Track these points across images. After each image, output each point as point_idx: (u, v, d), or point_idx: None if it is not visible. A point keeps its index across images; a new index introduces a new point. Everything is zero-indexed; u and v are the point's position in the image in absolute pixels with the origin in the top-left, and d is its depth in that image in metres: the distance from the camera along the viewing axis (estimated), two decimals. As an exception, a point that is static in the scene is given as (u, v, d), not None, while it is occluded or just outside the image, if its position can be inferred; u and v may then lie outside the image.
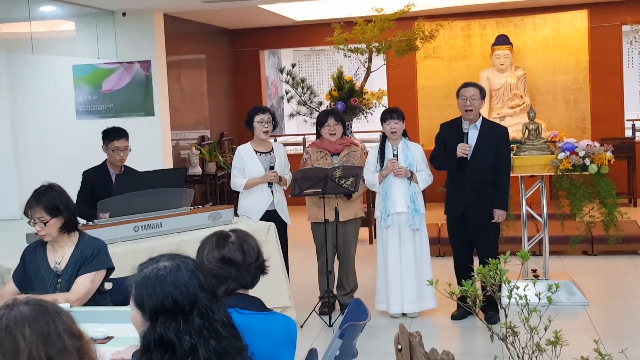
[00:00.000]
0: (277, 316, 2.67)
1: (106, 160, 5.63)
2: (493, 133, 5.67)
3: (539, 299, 2.58)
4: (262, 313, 2.64)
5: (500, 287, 2.65)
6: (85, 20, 7.65)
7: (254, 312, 2.59)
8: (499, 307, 2.68)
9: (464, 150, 5.54)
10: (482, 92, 5.67)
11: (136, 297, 2.16)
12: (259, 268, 2.72)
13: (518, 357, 2.50)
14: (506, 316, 2.60)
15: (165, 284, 2.13)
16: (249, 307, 2.60)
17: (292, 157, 6.34)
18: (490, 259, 2.73)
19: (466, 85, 5.70)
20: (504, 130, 5.78)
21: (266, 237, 5.42)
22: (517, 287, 2.60)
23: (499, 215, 5.60)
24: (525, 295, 2.62)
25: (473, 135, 5.62)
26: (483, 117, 5.75)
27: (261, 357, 2.36)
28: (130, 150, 5.62)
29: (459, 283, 2.89)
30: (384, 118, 5.77)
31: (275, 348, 2.56)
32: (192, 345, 2.10)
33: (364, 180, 5.87)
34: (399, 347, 2.63)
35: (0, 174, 7.57)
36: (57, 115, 7.90)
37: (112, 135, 5.54)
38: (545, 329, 2.64)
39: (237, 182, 5.91)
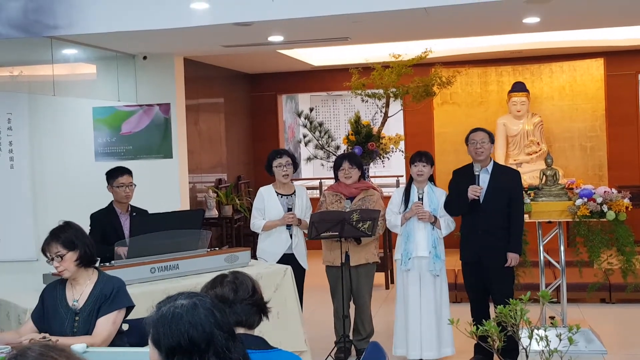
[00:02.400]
0: (281, 353, 2.66)
1: (112, 202, 5.69)
2: (505, 176, 5.67)
3: (560, 340, 2.56)
4: (265, 351, 2.63)
5: (519, 327, 2.64)
6: (107, 63, 7.75)
7: (257, 351, 2.58)
8: (520, 347, 2.65)
9: (475, 192, 5.53)
10: (491, 137, 5.71)
11: (153, 335, 2.16)
12: (255, 306, 2.73)
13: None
14: (527, 356, 2.57)
15: (182, 322, 2.13)
16: (252, 346, 2.59)
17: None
18: (510, 299, 2.71)
19: (475, 130, 5.74)
20: (516, 173, 5.80)
21: (282, 280, 5.41)
22: (538, 328, 2.57)
23: (512, 258, 5.56)
24: (547, 336, 2.60)
25: (485, 178, 5.63)
26: (494, 161, 5.76)
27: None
28: (134, 186, 5.69)
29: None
30: (412, 160, 5.78)
31: None
32: None
33: (384, 222, 5.86)
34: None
35: (18, 215, 7.60)
36: (76, 157, 7.96)
37: (116, 173, 5.65)
38: (567, 370, 2.62)
39: (256, 222, 5.92)
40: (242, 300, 2.70)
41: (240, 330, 2.69)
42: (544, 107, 10.22)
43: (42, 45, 6.60)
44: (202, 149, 9.66)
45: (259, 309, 2.75)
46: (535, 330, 2.59)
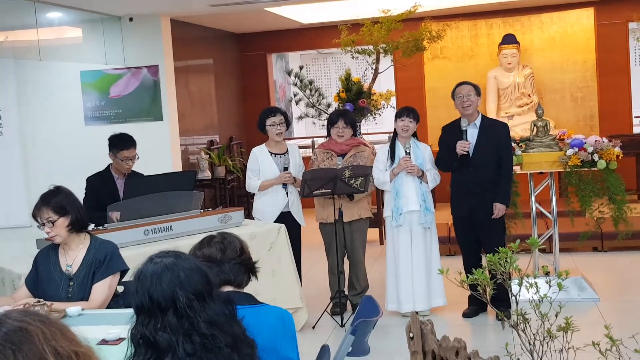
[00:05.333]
0: (269, 308, 2.70)
1: (110, 165, 5.56)
2: (493, 129, 5.68)
3: (550, 286, 2.58)
4: (253, 306, 2.66)
5: (510, 275, 2.66)
6: (92, 26, 7.67)
7: (245, 306, 2.62)
8: (510, 295, 2.68)
9: (463, 147, 5.54)
10: (477, 90, 5.71)
11: (129, 294, 2.32)
12: (244, 265, 2.77)
13: (529, 343, 2.51)
14: (517, 303, 2.60)
15: (145, 283, 2.22)
16: (240, 302, 2.63)
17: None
18: (500, 248, 2.73)
19: (460, 84, 5.73)
20: (504, 125, 5.80)
21: (276, 238, 5.43)
22: (528, 276, 2.60)
23: (499, 209, 5.58)
24: (536, 283, 2.62)
25: (473, 133, 5.63)
26: (482, 115, 5.76)
27: (259, 350, 2.37)
28: (138, 158, 5.54)
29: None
30: (400, 114, 5.77)
31: (272, 340, 2.58)
32: (169, 341, 2.16)
33: (373, 180, 5.88)
34: (411, 335, 2.63)
35: (9, 181, 7.57)
36: (66, 122, 7.90)
37: (121, 145, 5.43)
38: (556, 316, 2.64)
39: (251, 183, 5.92)
40: (229, 260, 2.74)
41: (229, 289, 2.73)
42: (535, 59, 10.17)
43: (25, 9, 6.52)
44: (193, 111, 9.62)
45: (247, 268, 2.79)
46: (525, 278, 2.61)
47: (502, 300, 4.35)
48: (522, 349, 2.72)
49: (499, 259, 2.54)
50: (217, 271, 2.70)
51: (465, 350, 2.57)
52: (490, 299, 2.78)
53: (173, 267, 2.23)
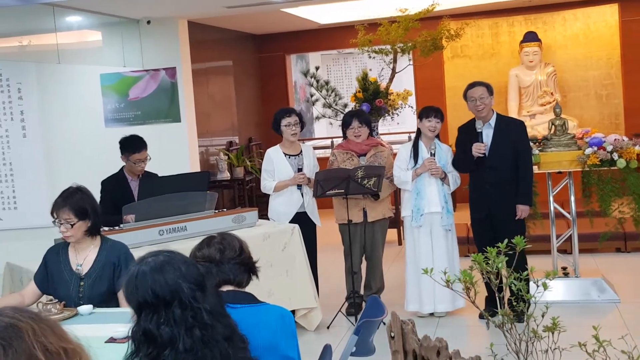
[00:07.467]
0: (269, 307, 2.70)
1: (123, 167, 5.60)
2: (509, 128, 5.60)
3: (537, 286, 2.54)
4: (253, 305, 2.66)
5: (498, 274, 2.64)
6: (111, 29, 7.74)
7: (246, 305, 2.63)
8: (496, 296, 2.65)
9: (478, 149, 5.48)
10: (490, 89, 5.62)
11: (125, 295, 2.27)
12: (243, 265, 2.78)
13: (515, 344, 2.48)
14: (503, 306, 2.57)
15: (146, 279, 2.22)
16: (240, 301, 2.64)
17: (320, 160, 6.33)
18: (487, 247, 2.70)
19: (472, 85, 5.64)
20: (521, 124, 5.72)
21: (290, 238, 5.42)
22: (513, 273, 2.57)
23: (522, 210, 5.51)
24: (523, 284, 2.58)
25: (488, 133, 5.57)
26: (497, 114, 5.68)
27: (259, 348, 2.36)
28: (150, 159, 5.58)
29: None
30: (426, 114, 5.68)
31: (272, 338, 2.57)
32: (172, 335, 2.16)
33: (390, 180, 5.85)
34: (392, 334, 2.61)
35: (31, 183, 7.67)
36: (86, 124, 7.99)
37: (132, 148, 5.47)
38: (543, 316, 2.60)
39: (266, 184, 5.92)
40: (229, 260, 2.74)
41: (229, 288, 2.74)
42: (557, 57, 10.07)
43: (44, 14, 6.59)
44: (213, 112, 9.65)
45: (247, 268, 2.80)
46: (512, 280, 2.58)
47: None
48: (507, 349, 2.71)
49: (485, 258, 2.52)
50: (216, 271, 2.71)
51: (446, 350, 2.55)
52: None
53: (171, 262, 2.25)
